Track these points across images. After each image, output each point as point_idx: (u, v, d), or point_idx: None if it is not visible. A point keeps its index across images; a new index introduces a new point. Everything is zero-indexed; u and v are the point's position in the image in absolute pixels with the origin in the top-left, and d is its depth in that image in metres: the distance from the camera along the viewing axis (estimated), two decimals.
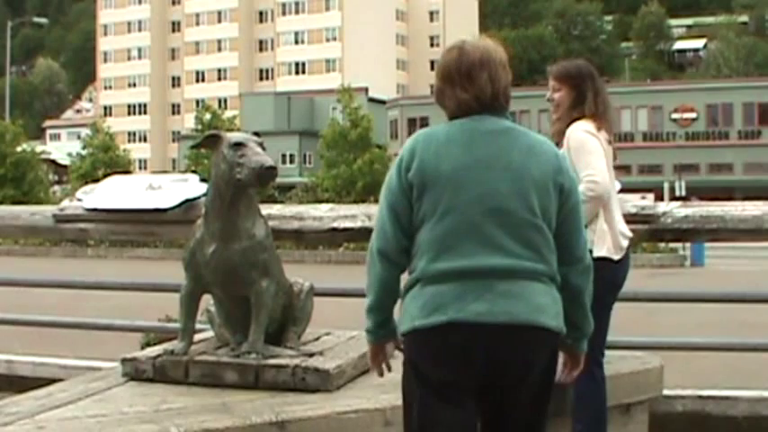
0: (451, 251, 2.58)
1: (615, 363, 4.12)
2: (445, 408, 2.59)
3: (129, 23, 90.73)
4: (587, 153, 3.71)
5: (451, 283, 2.56)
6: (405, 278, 2.72)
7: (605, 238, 3.76)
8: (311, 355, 3.78)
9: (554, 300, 2.63)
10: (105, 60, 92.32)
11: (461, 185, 2.60)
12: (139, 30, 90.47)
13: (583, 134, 3.76)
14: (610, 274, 3.71)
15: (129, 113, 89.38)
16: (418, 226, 2.64)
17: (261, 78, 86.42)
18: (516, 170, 2.63)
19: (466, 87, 2.70)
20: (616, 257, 3.78)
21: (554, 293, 2.64)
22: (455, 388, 2.59)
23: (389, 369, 2.83)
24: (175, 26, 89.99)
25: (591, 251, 3.53)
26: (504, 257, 2.57)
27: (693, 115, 54.44)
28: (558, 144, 3.75)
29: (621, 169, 7.17)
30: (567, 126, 3.83)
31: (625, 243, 3.84)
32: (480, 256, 2.56)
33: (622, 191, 4.16)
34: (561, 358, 2.81)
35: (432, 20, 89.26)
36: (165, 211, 4.89)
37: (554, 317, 2.61)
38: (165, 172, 64.87)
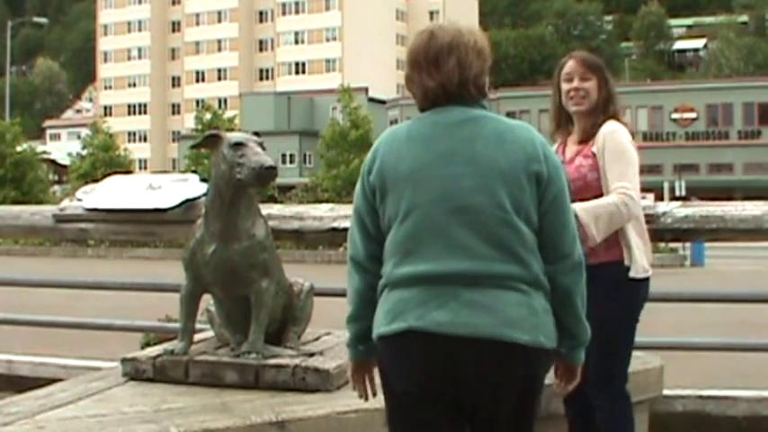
0: (414, 255, 2.40)
1: None
2: (405, 423, 2.45)
3: (129, 23, 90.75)
4: (628, 164, 3.48)
5: (414, 288, 2.39)
6: None
7: (643, 256, 3.52)
8: (311, 354, 3.78)
9: (531, 311, 2.36)
10: (105, 60, 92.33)
11: (421, 184, 2.42)
12: (139, 30, 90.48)
13: (626, 142, 3.53)
14: (645, 292, 3.55)
15: (129, 113, 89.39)
16: (386, 231, 2.49)
17: (261, 78, 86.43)
18: (480, 162, 2.41)
19: (432, 74, 2.50)
20: (650, 273, 3.57)
21: (533, 303, 2.37)
22: (423, 404, 2.40)
23: (374, 394, 2.64)
24: (175, 26, 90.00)
25: (628, 269, 3.44)
26: (470, 261, 2.36)
27: (693, 115, 54.47)
28: (590, 138, 3.56)
29: None
30: (601, 122, 3.57)
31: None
32: (444, 259, 2.37)
33: None
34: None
35: (432, 20, 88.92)
36: (165, 211, 4.89)
37: (529, 330, 2.33)
38: (165, 172, 64.89)
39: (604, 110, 3.59)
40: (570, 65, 3.63)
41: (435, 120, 2.50)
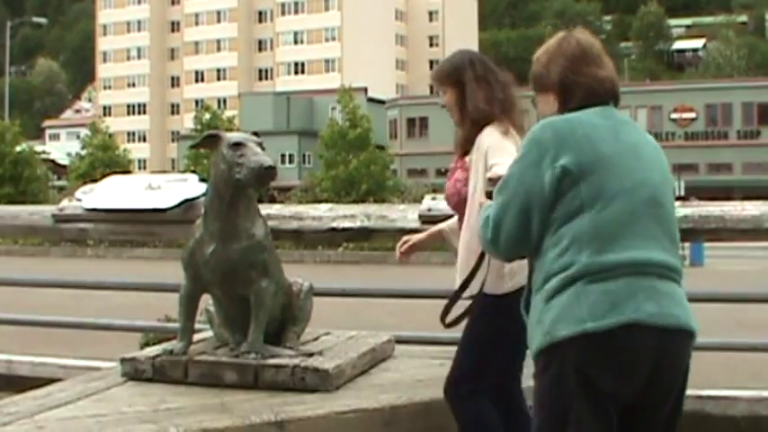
0: (618, 242, 2.34)
1: None
2: (600, 426, 2.33)
3: (128, 23, 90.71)
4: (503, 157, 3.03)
5: (621, 279, 2.32)
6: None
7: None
8: (310, 354, 3.78)
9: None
10: (105, 60, 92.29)
11: (621, 171, 2.40)
12: (139, 30, 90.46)
13: (497, 141, 3.16)
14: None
15: (128, 113, 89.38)
16: (568, 217, 2.37)
17: (260, 78, 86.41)
18: (658, 160, 2.52)
19: (602, 66, 2.57)
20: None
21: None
22: (611, 402, 2.33)
23: None
24: (175, 26, 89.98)
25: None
26: (664, 252, 2.40)
27: (692, 115, 54.46)
28: (465, 154, 3.29)
29: None
30: (476, 132, 3.25)
31: None
32: (646, 248, 2.36)
33: None
34: None
35: (431, 20, 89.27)
36: (164, 210, 4.89)
37: (696, 323, 2.44)
38: (164, 172, 64.88)
39: (475, 118, 3.27)
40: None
41: (609, 114, 2.52)
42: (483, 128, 3.24)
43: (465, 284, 3.17)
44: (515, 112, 3.33)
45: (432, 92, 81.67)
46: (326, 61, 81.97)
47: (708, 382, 5.35)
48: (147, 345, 6.23)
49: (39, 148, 43.63)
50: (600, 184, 2.37)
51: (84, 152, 46.25)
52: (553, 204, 2.39)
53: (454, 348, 3.48)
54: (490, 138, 3.20)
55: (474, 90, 3.28)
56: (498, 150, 3.12)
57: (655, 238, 2.39)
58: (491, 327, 3.21)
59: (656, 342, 2.31)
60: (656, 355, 2.32)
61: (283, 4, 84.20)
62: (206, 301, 3.97)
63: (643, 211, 2.39)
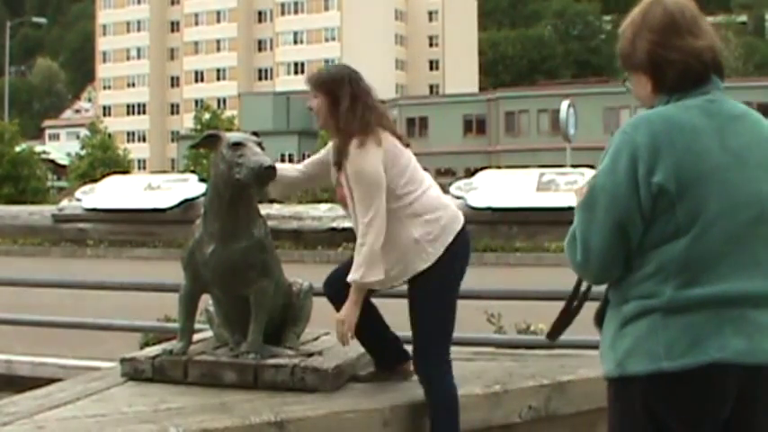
0: (708, 273, 2.05)
1: None
2: None
3: (128, 23, 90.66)
4: (367, 186, 3.38)
5: (706, 311, 2.04)
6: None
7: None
8: (310, 354, 3.78)
9: None
10: (104, 60, 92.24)
11: (721, 188, 2.07)
12: (138, 30, 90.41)
13: (363, 164, 3.39)
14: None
15: (128, 113, 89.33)
16: (660, 241, 2.08)
17: (260, 78, 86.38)
18: None
19: (697, 34, 2.16)
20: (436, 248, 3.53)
21: None
22: None
23: None
24: (174, 26, 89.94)
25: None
26: (764, 279, 2.08)
27: None
28: (341, 164, 3.48)
29: None
30: (347, 143, 3.45)
31: None
32: (742, 279, 2.06)
33: None
34: None
35: (431, 20, 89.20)
36: (164, 210, 4.90)
37: None
38: (164, 172, 64.87)
39: (346, 129, 3.46)
40: None
41: (714, 109, 2.15)
42: (351, 139, 3.43)
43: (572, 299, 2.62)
44: (384, 125, 3.50)
45: (431, 92, 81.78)
46: (326, 61, 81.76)
47: None
48: (146, 345, 6.24)
49: (38, 148, 43.67)
50: (697, 206, 2.06)
51: (83, 152, 46.27)
52: (643, 225, 2.10)
53: (453, 348, 3.51)
54: (354, 151, 3.42)
55: (347, 107, 3.45)
56: (357, 161, 3.39)
57: (758, 264, 2.09)
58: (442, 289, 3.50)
59: (742, 382, 2.05)
60: (741, 396, 2.06)
61: (283, 4, 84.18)
62: (206, 301, 3.98)
63: (747, 235, 2.08)
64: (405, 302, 3.56)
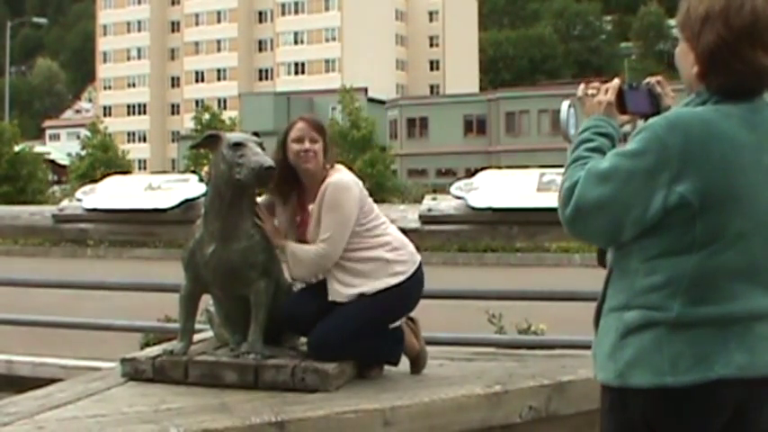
0: (720, 291, 1.99)
1: None
2: None
3: (128, 23, 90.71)
4: (339, 217, 3.68)
5: (712, 328, 1.99)
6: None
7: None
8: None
9: None
10: (105, 60, 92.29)
11: (751, 207, 1.97)
12: (139, 30, 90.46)
13: (344, 196, 3.70)
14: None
15: (128, 113, 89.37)
16: (672, 252, 2.00)
17: (260, 78, 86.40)
18: None
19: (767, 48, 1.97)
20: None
21: None
22: None
23: None
24: (175, 26, 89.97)
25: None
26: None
27: None
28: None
29: None
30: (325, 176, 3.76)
31: None
32: (749, 299, 2.00)
33: None
34: None
35: (431, 20, 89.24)
36: (164, 211, 4.90)
37: None
38: (164, 172, 64.89)
39: (327, 164, 3.82)
40: (300, 127, 3.79)
41: (756, 122, 2.02)
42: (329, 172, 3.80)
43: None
44: None
45: (432, 92, 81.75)
46: (326, 61, 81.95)
47: None
48: (147, 345, 6.24)
49: (39, 148, 43.67)
50: (720, 223, 1.96)
51: (84, 152, 46.25)
52: (655, 228, 2.00)
53: (454, 348, 3.52)
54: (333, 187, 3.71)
55: (332, 151, 3.89)
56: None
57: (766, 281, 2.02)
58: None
59: (742, 396, 2.01)
60: (740, 408, 2.02)
61: (283, 5, 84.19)
62: (206, 302, 3.98)
63: (765, 256, 2.01)
64: (421, 307, 3.67)
